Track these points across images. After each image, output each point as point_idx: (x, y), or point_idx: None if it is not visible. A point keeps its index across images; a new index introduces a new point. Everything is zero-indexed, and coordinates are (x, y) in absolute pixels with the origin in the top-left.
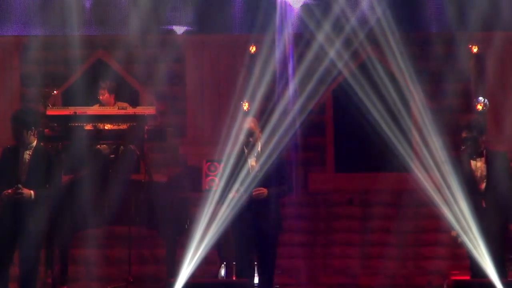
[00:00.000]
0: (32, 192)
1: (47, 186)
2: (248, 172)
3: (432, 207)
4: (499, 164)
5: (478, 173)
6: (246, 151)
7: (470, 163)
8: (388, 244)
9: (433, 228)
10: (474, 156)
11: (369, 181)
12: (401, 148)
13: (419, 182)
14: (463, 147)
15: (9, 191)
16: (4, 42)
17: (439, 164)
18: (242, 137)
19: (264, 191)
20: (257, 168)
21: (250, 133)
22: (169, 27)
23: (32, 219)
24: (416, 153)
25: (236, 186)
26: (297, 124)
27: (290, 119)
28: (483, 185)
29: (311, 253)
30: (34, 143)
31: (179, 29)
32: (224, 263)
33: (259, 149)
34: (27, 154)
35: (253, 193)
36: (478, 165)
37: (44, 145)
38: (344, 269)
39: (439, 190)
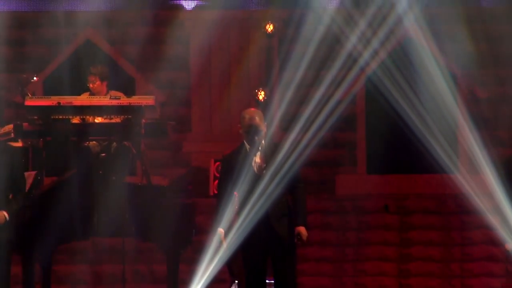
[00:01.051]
0: (5, 213)
1: (12, 195)
2: (251, 171)
3: (481, 215)
4: None
5: None
6: (248, 147)
7: None
8: (430, 259)
9: (483, 240)
10: None
11: (407, 185)
12: (446, 145)
13: (466, 186)
14: None
15: None
16: None
17: (490, 167)
18: (245, 134)
19: (304, 233)
20: (263, 165)
21: (256, 131)
22: (176, 1)
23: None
24: (463, 152)
25: (240, 188)
26: (323, 116)
27: (316, 110)
28: None
29: (340, 270)
30: None
31: (188, 4)
32: (236, 281)
33: (263, 142)
34: None
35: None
36: None
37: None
38: None
39: (490, 195)
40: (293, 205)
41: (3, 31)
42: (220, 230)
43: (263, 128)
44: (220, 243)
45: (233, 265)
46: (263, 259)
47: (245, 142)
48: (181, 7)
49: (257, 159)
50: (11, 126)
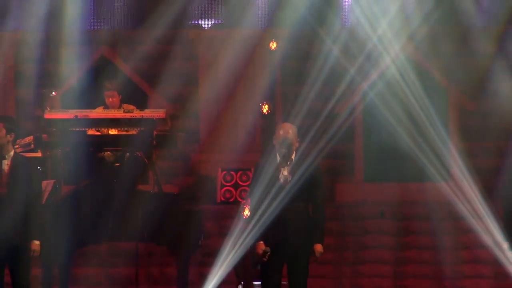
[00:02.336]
0: (37, 242)
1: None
2: (278, 181)
3: (472, 220)
4: None
5: None
6: (279, 159)
7: None
8: (424, 262)
9: (473, 244)
10: None
11: (402, 192)
12: (438, 155)
13: (457, 193)
14: None
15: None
16: None
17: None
18: (277, 146)
19: (319, 250)
20: (289, 178)
21: (288, 145)
22: (195, 21)
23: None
24: (454, 161)
25: (267, 198)
26: (323, 128)
27: (316, 123)
28: None
29: (338, 272)
30: (12, 152)
31: (206, 23)
32: (242, 282)
33: (292, 157)
34: (5, 164)
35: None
36: None
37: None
38: None
39: (480, 202)
40: (313, 220)
41: (26, 50)
42: (260, 244)
43: (295, 143)
44: (263, 253)
45: (238, 268)
46: (280, 266)
47: (277, 154)
48: (199, 26)
49: (285, 171)
50: (31, 137)
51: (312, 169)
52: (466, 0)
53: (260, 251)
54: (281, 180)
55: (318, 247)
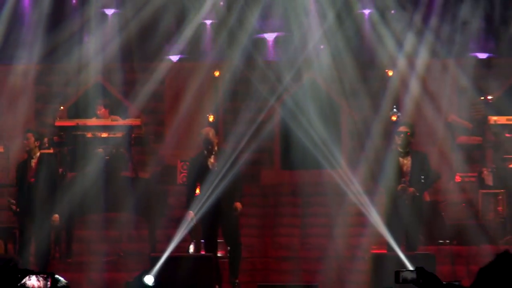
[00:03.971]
0: (57, 216)
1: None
2: (208, 168)
3: (355, 196)
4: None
5: (404, 168)
6: (206, 152)
7: (398, 160)
8: (322, 225)
9: (357, 213)
10: (403, 154)
11: (307, 176)
12: (333, 150)
13: (345, 176)
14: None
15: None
16: (22, 68)
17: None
18: (203, 144)
19: (239, 206)
20: (215, 164)
21: (209, 142)
22: (167, 56)
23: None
24: (344, 154)
25: (200, 179)
26: (251, 131)
27: (247, 127)
28: (409, 178)
29: (262, 233)
30: (38, 154)
31: (174, 58)
32: (194, 241)
33: (215, 149)
34: (33, 162)
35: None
36: (405, 161)
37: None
38: (288, 245)
39: (360, 183)
40: (234, 192)
41: (43, 77)
42: (190, 213)
43: (213, 140)
44: (191, 220)
45: (192, 231)
46: (215, 226)
47: (204, 150)
48: (167, 60)
49: (211, 160)
50: (46, 139)
51: (234, 175)
52: (355, 39)
53: (189, 218)
54: (210, 166)
55: (238, 204)
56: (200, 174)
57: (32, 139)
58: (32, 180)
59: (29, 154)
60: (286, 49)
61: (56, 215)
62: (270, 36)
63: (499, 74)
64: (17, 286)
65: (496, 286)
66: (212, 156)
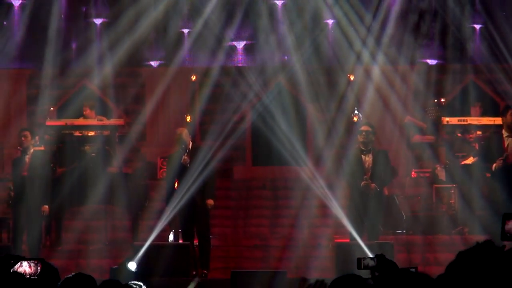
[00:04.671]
0: (47, 206)
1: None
2: (183, 165)
3: (319, 189)
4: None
5: (366, 165)
6: (181, 150)
7: (361, 157)
8: (290, 216)
9: (321, 205)
10: (365, 152)
11: (277, 172)
12: (299, 149)
13: (310, 173)
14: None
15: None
16: (14, 73)
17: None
18: (177, 142)
19: (211, 203)
20: (188, 160)
21: (183, 141)
22: (147, 62)
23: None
24: (310, 152)
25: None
26: (225, 131)
27: (221, 127)
28: (370, 174)
29: (235, 223)
30: (32, 150)
31: (154, 63)
32: (173, 230)
33: (189, 147)
34: (27, 158)
35: None
36: (366, 159)
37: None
38: (258, 234)
39: (323, 178)
40: (207, 187)
41: (34, 81)
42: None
43: (187, 139)
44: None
45: (171, 222)
46: (191, 218)
47: (179, 148)
48: (148, 65)
49: (185, 157)
50: (37, 137)
51: (207, 171)
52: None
53: None
54: (183, 162)
55: (210, 201)
56: (176, 170)
57: (29, 137)
58: (25, 174)
59: (24, 150)
60: (255, 56)
61: (46, 206)
62: (239, 44)
63: (450, 79)
64: (10, 272)
65: (472, 271)
66: (186, 154)
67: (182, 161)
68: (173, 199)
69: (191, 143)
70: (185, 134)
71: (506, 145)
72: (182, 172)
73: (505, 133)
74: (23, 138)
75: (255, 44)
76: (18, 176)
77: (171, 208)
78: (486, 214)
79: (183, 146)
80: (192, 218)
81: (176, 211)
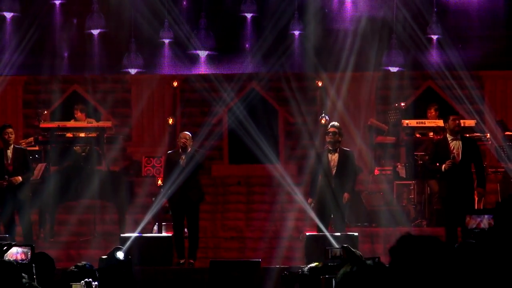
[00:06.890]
0: (20, 178)
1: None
2: (179, 163)
3: (289, 186)
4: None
5: (332, 163)
6: (180, 150)
7: (328, 156)
8: (263, 210)
9: (291, 200)
10: (332, 151)
11: (251, 170)
12: (272, 148)
13: (282, 170)
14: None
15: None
16: (11, 79)
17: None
18: (180, 144)
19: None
20: (185, 161)
21: (185, 146)
22: (124, 69)
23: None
24: (281, 151)
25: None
26: (205, 132)
27: (201, 129)
28: (334, 171)
29: (214, 216)
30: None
31: (132, 71)
32: (157, 223)
33: (189, 150)
34: (10, 153)
35: None
36: (333, 157)
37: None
38: (235, 227)
39: (292, 175)
40: (195, 186)
41: (29, 86)
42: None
43: (188, 143)
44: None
45: (155, 215)
46: (182, 210)
47: (179, 148)
48: (128, 72)
49: (183, 157)
50: (32, 138)
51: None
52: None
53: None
54: (181, 163)
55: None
56: (173, 167)
57: (14, 134)
58: (11, 168)
59: (6, 146)
60: (230, 64)
61: (19, 177)
62: (203, 54)
63: (409, 85)
64: (3, 259)
65: (403, 264)
66: (184, 154)
67: (180, 161)
68: (169, 194)
69: (189, 148)
70: (186, 138)
71: (451, 147)
72: (178, 170)
73: (449, 137)
74: (11, 135)
75: (230, 53)
76: (2, 170)
77: (161, 202)
78: (441, 209)
79: (184, 148)
80: (182, 212)
81: (169, 204)
